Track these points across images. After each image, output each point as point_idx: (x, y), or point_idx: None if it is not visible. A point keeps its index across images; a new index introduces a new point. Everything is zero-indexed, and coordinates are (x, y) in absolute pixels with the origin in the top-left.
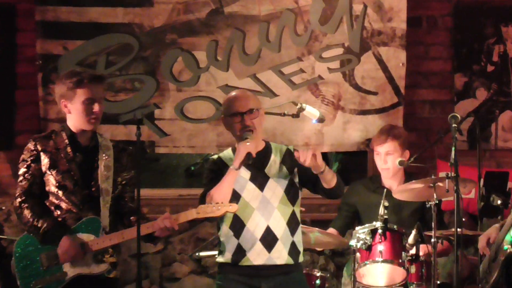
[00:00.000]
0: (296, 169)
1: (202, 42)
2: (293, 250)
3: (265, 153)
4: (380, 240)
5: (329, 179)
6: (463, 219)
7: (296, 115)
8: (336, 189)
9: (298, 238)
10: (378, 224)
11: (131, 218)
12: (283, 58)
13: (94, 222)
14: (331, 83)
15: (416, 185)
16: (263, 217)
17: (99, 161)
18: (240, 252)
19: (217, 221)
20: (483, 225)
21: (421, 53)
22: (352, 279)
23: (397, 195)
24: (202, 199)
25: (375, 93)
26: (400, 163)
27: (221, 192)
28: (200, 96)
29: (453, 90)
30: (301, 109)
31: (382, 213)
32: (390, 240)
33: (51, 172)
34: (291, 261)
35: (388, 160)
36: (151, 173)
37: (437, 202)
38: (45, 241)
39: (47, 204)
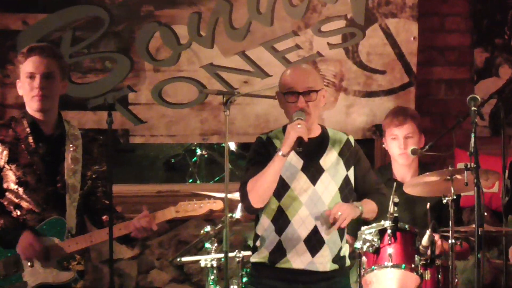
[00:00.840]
0: (353, 166)
1: (182, 15)
2: (338, 256)
3: (321, 141)
4: (390, 242)
5: (370, 215)
6: (485, 216)
7: None
8: (378, 217)
9: (344, 242)
10: (387, 223)
11: (104, 217)
12: (276, 33)
13: (59, 223)
14: (332, 60)
15: (431, 177)
16: (311, 214)
17: (65, 153)
18: (280, 251)
19: (203, 217)
20: (508, 223)
21: (436, 25)
22: (358, 287)
23: (408, 190)
24: (243, 188)
25: (382, 72)
26: (413, 151)
27: (265, 180)
28: (181, 77)
29: (473, 68)
30: None
31: (391, 210)
32: (401, 241)
33: (10, 167)
34: (335, 267)
35: (408, 144)
36: (125, 167)
37: (455, 197)
38: (1, 243)
39: (5, 203)
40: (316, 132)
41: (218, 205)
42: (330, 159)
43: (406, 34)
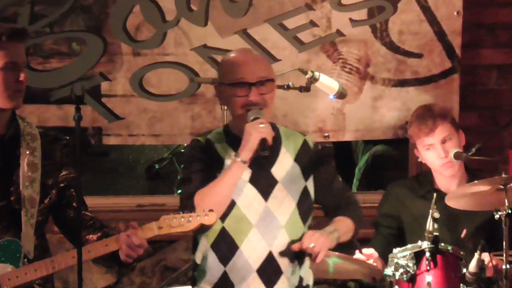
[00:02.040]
0: (313, 175)
1: None
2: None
3: (272, 145)
4: (428, 268)
5: (347, 236)
6: None
7: (305, 88)
8: (356, 233)
9: (306, 269)
10: (425, 244)
11: (103, 229)
12: (285, 6)
13: (12, 246)
14: (356, 41)
15: (479, 187)
16: (264, 238)
17: (20, 157)
18: (225, 285)
19: (193, 233)
20: None
21: None
22: None
23: (452, 202)
24: (188, 201)
25: (418, 56)
26: (456, 155)
27: (219, 191)
28: (167, 62)
29: None
30: (313, 80)
31: (430, 228)
32: (443, 267)
33: None
34: None
35: (448, 148)
36: (97, 174)
37: (510, 211)
38: None
39: None
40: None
41: (211, 218)
42: (284, 167)
43: (448, 8)
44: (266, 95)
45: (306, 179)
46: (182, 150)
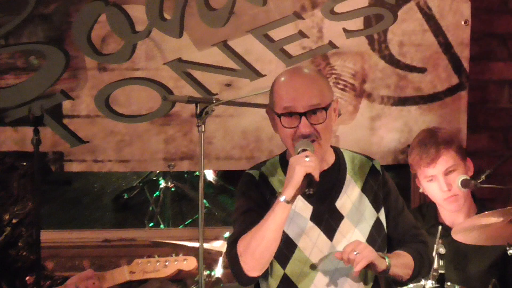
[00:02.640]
0: (384, 204)
1: None
2: None
3: (335, 174)
4: None
5: (402, 272)
6: None
7: None
8: (417, 275)
9: None
10: (429, 283)
11: (27, 278)
12: (271, 15)
13: None
14: (350, 54)
15: (490, 219)
16: (332, 283)
17: None
18: None
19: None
20: None
21: (496, 4)
22: None
23: (459, 237)
24: (232, 248)
25: (421, 70)
26: (464, 183)
27: (262, 238)
28: (137, 78)
29: None
30: None
31: (436, 265)
32: None
33: None
34: None
35: (452, 181)
36: (58, 205)
37: None
38: None
39: None
40: (329, 159)
41: (190, 264)
42: (350, 198)
43: (455, 16)
44: (318, 125)
45: (377, 210)
46: (154, 178)
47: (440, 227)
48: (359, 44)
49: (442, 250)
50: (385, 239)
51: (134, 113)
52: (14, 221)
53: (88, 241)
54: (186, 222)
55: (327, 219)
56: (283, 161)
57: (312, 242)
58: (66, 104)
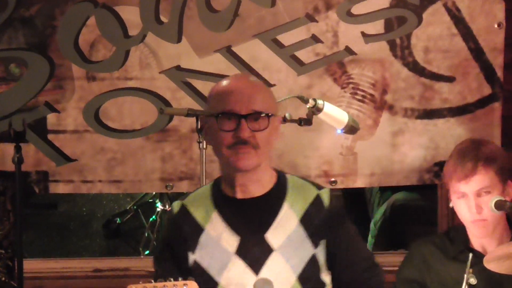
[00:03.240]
0: (325, 240)
1: None
2: None
3: (269, 200)
4: None
5: None
6: None
7: (306, 121)
8: None
9: None
10: None
11: None
12: (280, 17)
13: None
14: (370, 61)
15: None
16: None
17: None
18: None
19: None
20: None
21: None
22: None
23: (492, 265)
24: None
25: (450, 79)
26: (498, 205)
27: None
28: (130, 89)
29: None
30: (316, 110)
31: None
32: None
33: None
34: None
35: (483, 204)
36: (43, 231)
37: None
38: None
39: None
40: (267, 183)
41: None
42: (285, 229)
43: (487, 19)
44: (258, 132)
45: (315, 245)
46: (150, 200)
47: (470, 255)
48: (380, 50)
49: (473, 280)
50: (321, 279)
51: (127, 127)
52: None
53: (76, 271)
54: None
55: (254, 252)
56: (216, 189)
57: (236, 279)
58: (51, 118)
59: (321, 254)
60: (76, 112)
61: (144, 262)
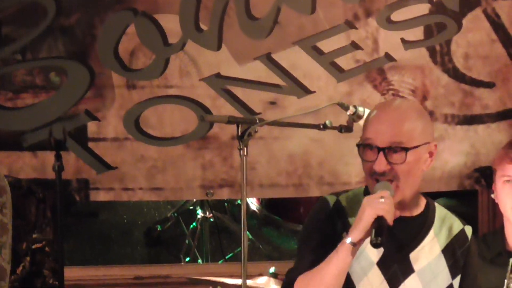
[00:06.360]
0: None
1: None
2: None
3: (419, 224)
4: None
5: None
6: None
7: (346, 128)
8: None
9: None
10: None
11: None
12: (320, 25)
13: None
14: (409, 67)
15: None
16: None
17: None
18: None
19: None
20: None
21: None
22: None
23: None
24: (288, 284)
25: (490, 85)
26: None
27: (322, 282)
28: (170, 97)
29: None
30: (356, 117)
31: None
32: None
33: None
34: None
35: None
36: (84, 239)
37: None
38: None
39: None
40: (415, 208)
41: None
42: (427, 255)
43: None
44: (397, 165)
45: (453, 276)
46: (190, 208)
47: (511, 260)
48: (419, 57)
49: None
50: None
51: (167, 135)
52: (34, 246)
53: (118, 279)
54: (227, 257)
55: (395, 268)
56: (367, 190)
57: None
58: (91, 126)
59: (456, 286)
60: (116, 120)
61: (185, 269)
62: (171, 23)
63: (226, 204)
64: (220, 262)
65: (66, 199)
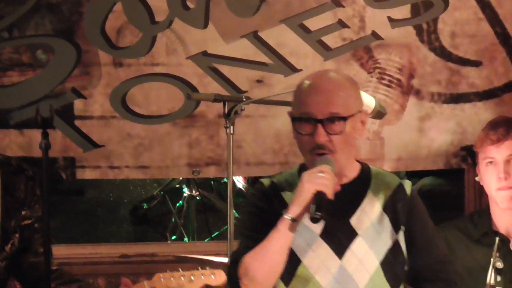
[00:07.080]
0: (404, 227)
1: None
2: None
3: (356, 188)
4: None
5: None
6: None
7: None
8: None
9: None
10: None
11: (53, 285)
12: (307, 2)
13: None
14: (396, 46)
15: None
16: None
17: None
18: None
19: None
20: None
21: None
22: None
23: None
24: (233, 269)
25: (476, 64)
26: None
27: (265, 258)
28: (157, 75)
29: None
30: None
31: (492, 281)
32: None
33: None
34: None
35: None
36: (70, 217)
37: None
38: None
39: None
40: (350, 173)
41: (218, 278)
42: (368, 216)
43: None
44: (335, 136)
45: (396, 231)
46: (177, 186)
47: (497, 239)
48: (406, 35)
49: (499, 264)
50: (403, 267)
51: (154, 113)
52: (23, 223)
53: (104, 257)
54: (213, 235)
55: (339, 236)
56: (301, 171)
57: (319, 260)
58: (78, 104)
59: (402, 241)
60: (103, 98)
61: (171, 247)
62: (158, 1)
63: (212, 182)
64: (206, 240)
65: (52, 177)
